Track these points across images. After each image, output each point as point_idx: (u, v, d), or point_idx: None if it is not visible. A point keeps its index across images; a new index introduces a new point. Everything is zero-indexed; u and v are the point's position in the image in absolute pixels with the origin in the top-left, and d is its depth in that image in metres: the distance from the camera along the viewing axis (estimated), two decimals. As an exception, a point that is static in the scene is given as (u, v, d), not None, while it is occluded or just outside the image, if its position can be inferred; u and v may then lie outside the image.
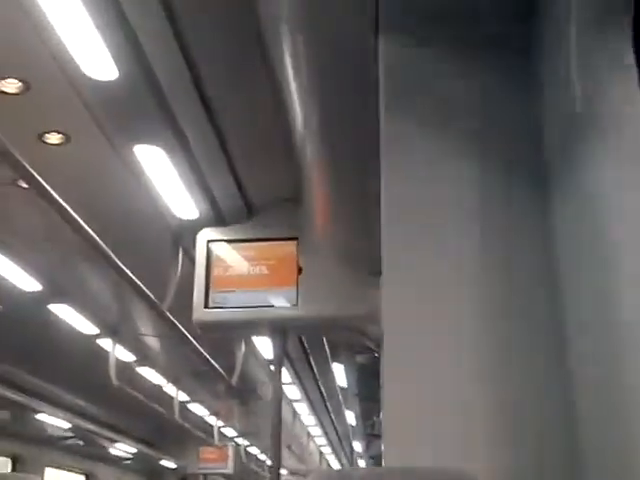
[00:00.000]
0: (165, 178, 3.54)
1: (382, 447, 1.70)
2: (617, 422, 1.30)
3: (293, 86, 2.38)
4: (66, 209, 3.34)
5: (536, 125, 1.73)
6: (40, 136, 3.24)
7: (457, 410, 1.61)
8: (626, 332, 1.26)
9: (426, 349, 1.67)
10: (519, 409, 1.59)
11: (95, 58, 2.67)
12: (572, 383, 1.52)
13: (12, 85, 2.88)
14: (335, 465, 16.65)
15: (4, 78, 2.85)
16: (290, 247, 3.61)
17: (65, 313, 5.66)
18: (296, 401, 9.02)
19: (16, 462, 7.87)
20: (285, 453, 11.69)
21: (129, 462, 10.67)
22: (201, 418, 10.26)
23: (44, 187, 3.15)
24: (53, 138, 3.25)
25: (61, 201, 3.28)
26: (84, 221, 3.50)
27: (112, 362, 6.21)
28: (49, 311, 5.57)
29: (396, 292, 1.73)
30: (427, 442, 1.61)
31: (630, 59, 1.32)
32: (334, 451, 14.62)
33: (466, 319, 1.68)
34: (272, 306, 3.60)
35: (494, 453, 1.56)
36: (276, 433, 3.73)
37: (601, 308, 1.36)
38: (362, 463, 14.85)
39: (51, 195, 3.21)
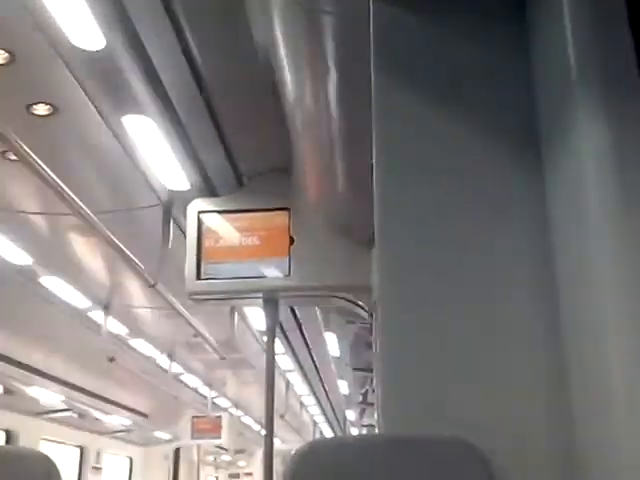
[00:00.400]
0: (155, 149, 3.51)
1: (375, 415, 1.70)
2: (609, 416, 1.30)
3: (283, 53, 2.35)
4: (55, 181, 3.31)
5: (532, 95, 1.72)
6: (28, 107, 3.20)
7: (455, 377, 1.61)
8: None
9: (422, 315, 1.67)
10: (517, 378, 1.59)
11: (82, 27, 2.64)
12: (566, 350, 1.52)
13: (-2, 56, 2.84)
14: (329, 433, 16.80)
15: (-11, 49, 2.80)
16: (282, 217, 3.60)
17: (56, 286, 5.64)
18: (289, 371, 9.06)
19: (10, 435, 7.89)
20: (279, 422, 11.76)
21: (123, 434, 10.71)
22: (195, 389, 10.30)
23: (33, 159, 3.12)
24: (41, 109, 3.21)
25: (50, 173, 3.25)
26: (73, 193, 3.47)
27: (104, 335, 6.21)
28: (40, 284, 5.56)
29: (390, 259, 1.72)
30: (423, 409, 1.61)
31: (626, 29, 1.31)
32: (327, 420, 14.73)
33: (463, 287, 1.67)
34: (264, 276, 3.60)
35: (492, 422, 1.56)
36: (269, 403, 3.75)
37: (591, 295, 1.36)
38: (355, 431, 14.98)
39: (40, 167, 3.18)
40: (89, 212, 3.64)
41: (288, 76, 2.50)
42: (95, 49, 2.78)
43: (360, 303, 3.62)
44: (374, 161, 1.80)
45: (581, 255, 1.43)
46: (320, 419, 14.36)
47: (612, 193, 1.33)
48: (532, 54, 1.73)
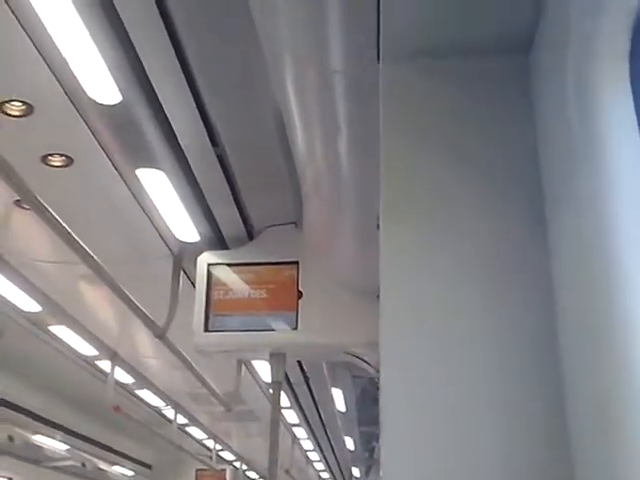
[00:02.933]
0: (167, 201, 3.56)
1: (381, 473, 1.69)
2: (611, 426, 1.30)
3: (294, 111, 2.40)
4: (67, 231, 3.35)
5: (533, 146, 1.75)
6: (43, 158, 3.25)
7: (457, 441, 1.60)
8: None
9: (426, 377, 1.67)
10: (519, 444, 1.59)
11: (98, 82, 2.70)
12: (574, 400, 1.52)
13: (15, 107, 2.90)
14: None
15: (8, 101, 2.86)
16: (290, 271, 3.62)
17: (64, 334, 5.65)
18: (295, 425, 8.96)
19: (12, 484, 7.83)
20: (284, 477, 11.60)
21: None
22: (199, 441, 10.19)
23: (46, 208, 3.16)
24: (56, 160, 3.27)
25: (63, 223, 3.29)
26: (85, 242, 3.50)
27: (110, 384, 6.19)
28: (49, 332, 5.57)
29: (393, 316, 1.73)
30: (425, 471, 1.60)
31: (627, 84, 1.34)
32: (333, 476, 14.51)
33: (466, 345, 1.68)
34: (272, 330, 3.61)
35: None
36: (273, 455, 3.72)
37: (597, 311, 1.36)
38: (361, 489, 14.75)
39: (53, 216, 3.22)
40: (99, 261, 3.67)
41: (299, 134, 2.55)
42: (111, 103, 2.84)
43: (366, 359, 3.61)
44: (380, 219, 1.83)
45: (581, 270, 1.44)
46: (326, 475, 14.14)
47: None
48: (536, 121, 1.77)
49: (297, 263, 3.61)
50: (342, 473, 14.02)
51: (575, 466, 1.48)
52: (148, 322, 4.49)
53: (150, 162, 3.26)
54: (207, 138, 3.05)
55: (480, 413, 1.62)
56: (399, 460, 1.63)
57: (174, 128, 2.97)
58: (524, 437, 1.59)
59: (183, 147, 3.11)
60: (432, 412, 1.63)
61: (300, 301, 3.56)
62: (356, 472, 13.80)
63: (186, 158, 3.20)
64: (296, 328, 3.54)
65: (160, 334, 4.47)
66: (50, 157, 3.25)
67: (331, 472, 13.74)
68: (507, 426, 1.60)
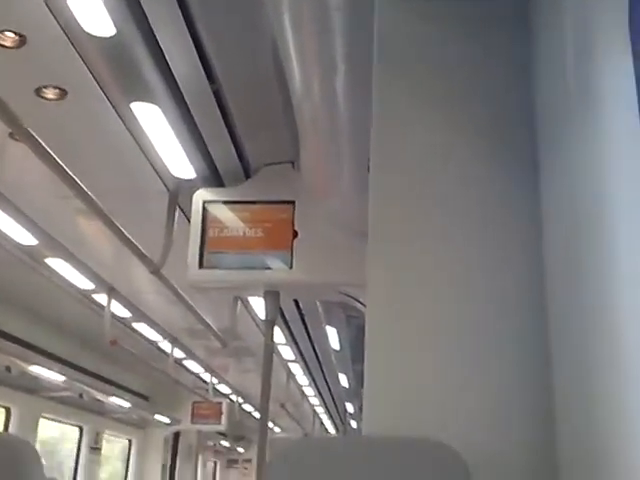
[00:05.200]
0: (162, 137, 3.51)
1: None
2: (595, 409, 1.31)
3: (291, 48, 2.35)
4: (61, 165, 3.32)
5: (529, 104, 1.73)
6: (37, 90, 3.20)
7: (441, 380, 1.62)
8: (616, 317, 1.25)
9: (409, 317, 1.69)
10: (503, 389, 1.60)
11: (92, 14, 2.64)
12: (557, 372, 1.53)
13: (8, 38, 2.84)
14: (328, 425, 16.86)
15: (1, 31, 2.81)
16: (286, 211, 3.61)
17: (61, 267, 5.67)
18: (291, 361, 9.08)
19: (9, 412, 7.95)
20: (279, 411, 11.81)
21: (123, 416, 10.77)
22: (196, 375, 10.34)
23: (39, 142, 3.12)
24: (50, 93, 3.22)
25: (56, 157, 3.26)
26: (79, 176, 3.47)
27: (107, 317, 6.24)
28: (45, 265, 5.58)
29: (381, 258, 1.74)
30: (408, 410, 1.62)
31: (626, 40, 1.31)
32: (328, 411, 14.77)
33: (450, 286, 1.69)
34: (267, 268, 3.61)
35: (476, 427, 1.57)
36: (266, 389, 3.77)
37: (588, 292, 1.36)
38: (354, 424, 15.04)
39: (46, 150, 3.19)
40: (93, 196, 3.65)
41: (296, 70, 2.50)
42: (106, 35, 2.78)
43: (359, 299, 3.63)
44: (371, 157, 1.82)
45: (570, 253, 1.44)
46: (320, 410, 14.40)
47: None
48: (533, 67, 1.73)
49: (293, 203, 3.60)
50: (337, 408, 14.28)
51: (555, 408, 1.50)
52: (143, 258, 4.50)
53: (145, 96, 3.21)
54: (203, 73, 3.00)
55: (463, 351, 1.64)
56: (382, 395, 1.65)
57: (169, 62, 2.92)
58: (508, 378, 1.60)
59: (179, 82, 3.07)
60: (416, 350, 1.65)
61: (295, 240, 3.56)
62: (350, 408, 14.05)
63: (182, 93, 3.15)
64: (291, 267, 3.55)
65: (155, 270, 4.48)
66: (44, 89, 3.20)
67: (326, 407, 13.99)
68: (490, 365, 1.61)
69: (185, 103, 3.23)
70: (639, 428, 1.12)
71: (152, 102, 3.25)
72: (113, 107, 3.32)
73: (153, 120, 3.38)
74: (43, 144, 3.15)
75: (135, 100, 3.27)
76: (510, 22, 1.83)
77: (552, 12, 1.59)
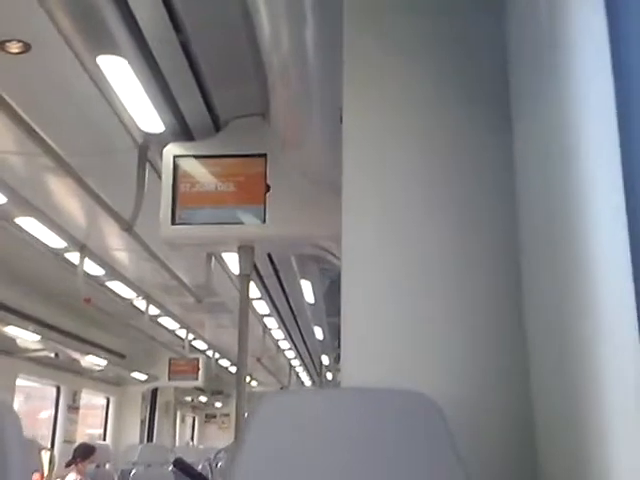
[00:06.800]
0: (130, 90, 3.44)
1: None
2: (569, 367, 1.32)
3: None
4: (26, 121, 3.26)
5: (502, 51, 1.71)
6: (0, 45, 3.12)
7: (412, 331, 1.63)
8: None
9: (384, 268, 1.69)
10: (480, 341, 1.62)
11: (54, -37, 2.57)
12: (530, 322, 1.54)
13: (-32, -10, 2.76)
14: (305, 377, 17.04)
15: (-41, -16, 2.72)
16: (258, 164, 3.58)
17: (32, 226, 5.60)
18: (266, 316, 9.12)
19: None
20: (256, 365, 11.89)
21: (101, 374, 10.79)
22: (172, 331, 10.35)
23: (3, 97, 3.06)
24: (14, 47, 3.14)
25: (21, 113, 3.19)
26: (46, 133, 3.41)
27: (80, 276, 6.20)
28: (16, 224, 5.51)
29: (355, 210, 1.73)
30: (385, 362, 1.63)
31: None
32: (304, 364, 14.92)
33: (427, 235, 1.69)
34: (240, 223, 3.59)
35: (452, 379, 1.59)
36: (242, 343, 3.79)
37: (559, 250, 1.36)
38: (330, 376, 15.22)
39: (10, 106, 3.12)
40: (61, 153, 3.59)
41: (265, 22, 2.47)
42: (68, -14, 2.71)
43: (333, 252, 3.63)
44: (343, 108, 1.80)
45: (546, 224, 1.44)
46: (296, 363, 14.54)
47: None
48: (505, 14, 1.72)
49: (265, 156, 3.57)
50: (312, 361, 14.41)
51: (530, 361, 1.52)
52: (115, 215, 4.46)
53: (111, 49, 3.14)
54: (170, 24, 2.94)
55: (439, 302, 1.65)
56: (358, 347, 1.66)
57: (135, 14, 2.86)
58: (485, 329, 1.61)
59: (145, 33, 3.00)
60: (391, 301, 1.66)
61: (268, 194, 3.54)
62: (325, 360, 14.20)
63: (149, 45, 3.09)
64: (264, 221, 3.53)
65: (127, 227, 4.45)
66: (7, 43, 3.12)
67: (302, 360, 14.12)
68: (467, 317, 1.62)
69: (152, 56, 3.17)
70: (607, 386, 1.13)
71: (119, 55, 3.18)
72: (79, 61, 3.25)
73: (120, 73, 3.30)
74: (7, 100, 3.08)
75: (101, 53, 3.19)
76: None
77: None
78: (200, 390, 14.96)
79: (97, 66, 3.27)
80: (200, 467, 9.14)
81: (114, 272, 7.09)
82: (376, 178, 1.75)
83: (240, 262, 3.83)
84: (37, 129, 3.34)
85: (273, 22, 2.47)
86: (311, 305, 8.24)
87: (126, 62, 3.21)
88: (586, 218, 1.21)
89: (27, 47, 3.14)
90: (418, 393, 1.37)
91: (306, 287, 7.40)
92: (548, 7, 1.41)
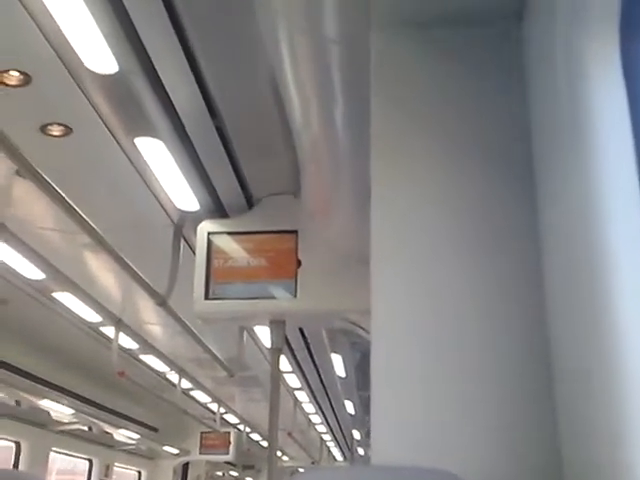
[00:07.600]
0: (166, 170, 3.57)
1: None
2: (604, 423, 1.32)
3: (290, 80, 2.40)
4: (67, 201, 3.37)
5: (525, 126, 1.76)
6: (42, 128, 3.26)
7: (448, 406, 1.63)
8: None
9: (414, 342, 1.69)
10: (512, 416, 1.61)
11: (94, 51, 2.70)
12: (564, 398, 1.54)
13: (13, 77, 2.90)
14: (336, 452, 16.74)
15: (6, 71, 2.87)
16: (290, 240, 3.64)
17: (68, 301, 5.70)
18: (297, 389, 9.06)
19: (19, 447, 7.94)
20: (287, 440, 11.74)
21: (132, 447, 10.73)
22: (204, 405, 10.31)
23: (45, 179, 3.18)
24: (55, 130, 3.28)
25: (62, 193, 3.31)
26: (84, 211, 3.53)
27: (115, 349, 6.25)
28: (53, 298, 5.62)
29: (384, 284, 1.75)
30: (416, 438, 1.63)
31: (617, 64, 1.34)
32: (335, 439, 14.69)
33: (456, 309, 1.70)
34: (272, 297, 3.64)
35: (485, 455, 1.58)
36: (273, 417, 3.78)
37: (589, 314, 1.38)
38: (362, 451, 14.94)
39: (52, 187, 3.24)
40: (99, 231, 3.70)
41: (295, 102, 2.55)
42: (108, 73, 2.84)
43: (363, 325, 3.65)
44: (371, 186, 1.85)
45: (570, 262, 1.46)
46: (327, 437, 14.32)
47: None
48: (528, 93, 1.77)
49: (296, 232, 3.64)
50: (344, 435, 14.19)
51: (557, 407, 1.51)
52: (149, 290, 4.54)
53: (148, 131, 3.27)
54: (204, 106, 3.05)
55: (470, 377, 1.64)
56: (389, 423, 1.66)
57: (171, 97, 2.98)
58: (516, 405, 1.61)
59: (181, 116, 3.12)
60: (422, 376, 1.66)
61: (299, 269, 3.59)
62: (357, 435, 13.97)
63: (184, 127, 3.20)
64: (295, 296, 3.57)
65: (161, 302, 4.52)
66: (49, 127, 3.26)
67: (333, 434, 13.91)
68: (498, 392, 1.62)
69: (187, 136, 3.28)
70: None
71: (155, 137, 3.31)
72: (117, 143, 3.38)
73: (157, 154, 3.43)
74: (49, 180, 3.20)
75: (138, 135, 3.33)
76: (503, 48, 1.86)
77: (545, 34, 1.63)
78: (231, 464, 14.77)
79: (135, 147, 3.40)
80: None
81: (148, 346, 7.15)
82: (405, 250, 1.78)
83: (272, 336, 3.86)
84: (76, 207, 3.45)
85: (304, 104, 2.55)
86: (342, 379, 8.19)
87: (163, 144, 3.33)
88: (612, 290, 1.24)
89: (68, 130, 3.28)
90: (448, 473, 1.37)
91: (337, 361, 7.38)
92: (568, 88, 1.46)
